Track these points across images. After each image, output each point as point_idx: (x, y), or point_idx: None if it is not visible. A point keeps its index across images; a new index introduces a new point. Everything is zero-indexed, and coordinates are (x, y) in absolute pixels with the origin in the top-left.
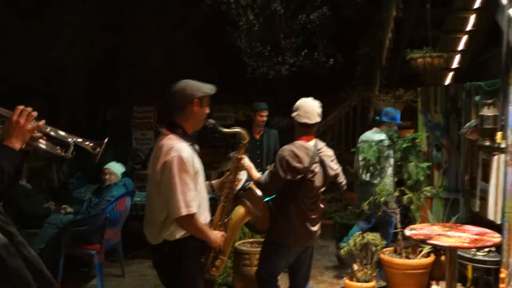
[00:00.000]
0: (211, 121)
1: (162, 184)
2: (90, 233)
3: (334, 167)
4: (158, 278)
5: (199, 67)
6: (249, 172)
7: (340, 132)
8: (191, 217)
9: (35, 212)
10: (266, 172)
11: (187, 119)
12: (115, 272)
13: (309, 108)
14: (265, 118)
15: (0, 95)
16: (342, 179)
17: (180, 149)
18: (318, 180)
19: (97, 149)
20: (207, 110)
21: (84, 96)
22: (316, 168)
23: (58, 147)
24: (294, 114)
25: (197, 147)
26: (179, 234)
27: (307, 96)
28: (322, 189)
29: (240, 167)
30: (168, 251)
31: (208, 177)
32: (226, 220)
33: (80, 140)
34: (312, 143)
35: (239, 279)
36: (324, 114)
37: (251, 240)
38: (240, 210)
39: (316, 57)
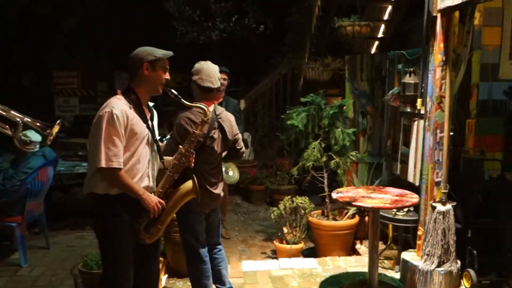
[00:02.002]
0: (173, 91)
1: (90, 137)
2: (9, 205)
3: (234, 132)
4: (84, 248)
5: (124, 31)
6: None
7: (270, 100)
8: (112, 171)
9: None
10: (166, 139)
11: (139, 84)
12: (39, 244)
13: (212, 72)
14: (223, 82)
15: None
16: (241, 145)
17: (114, 106)
18: (217, 146)
19: (47, 130)
20: (165, 76)
21: None
22: (215, 134)
23: (7, 126)
24: (196, 77)
25: (155, 118)
26: (104, 188)
27: (239, 62)
28: (223, 154)
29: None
30: (94, 204)
31: None
32: (168, 190)
33: (29, 119)
34: (211, 108)
35: (170, 246)
36: (255, 81)
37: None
38: (187, 184)
39: (247, 23)
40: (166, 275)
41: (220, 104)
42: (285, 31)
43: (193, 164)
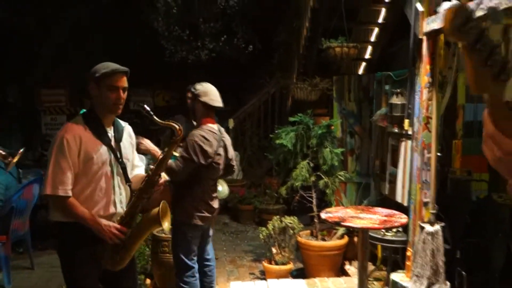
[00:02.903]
0: (146, 107)
1: None
2: None
3: (232, 150)
4: None
5: (112, 48)
6: (155, 156)
7: (259, 119)
8: (59, 199)
9: None
10: (174, 157)
11: (94, 103)
12: (24, 264)
13: (216, 92)
14: None
15: None
16: (234, 163)
17: (68, 129)
18: (222, 163)
19: (9, 158)
20: (113, 95)
21: None
22: (221, 151)
23: None
24: (205, 98)
25: (128, 138)
26: (58, 216)
27: (228, 81)
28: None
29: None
30: (55, 232)
31: None
32: (133, 215)
33: None
34: (215, 126)
35: (157, 267)
36: (244, 100)
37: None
38: (153, 211)
39: (236, 43)
40: None
41: None
42: (274, 51)
43: (161, 188)
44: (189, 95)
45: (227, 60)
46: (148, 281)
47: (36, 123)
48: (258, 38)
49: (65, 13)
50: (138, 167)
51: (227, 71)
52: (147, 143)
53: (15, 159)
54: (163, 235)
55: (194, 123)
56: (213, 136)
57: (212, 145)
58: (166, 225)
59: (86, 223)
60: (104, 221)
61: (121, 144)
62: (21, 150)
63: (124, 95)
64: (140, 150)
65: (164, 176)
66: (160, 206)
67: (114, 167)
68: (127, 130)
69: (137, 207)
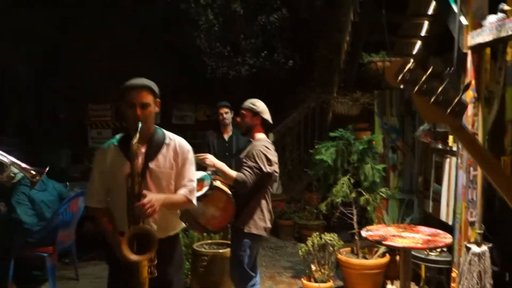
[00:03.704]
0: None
1: None
2: (41, 235)
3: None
4: None
5: (156, 66)
6: (222, 170)
7: (299, 134)
8: (89, 209)
9: None
10: (207, 175)
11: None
12: (69, 275)
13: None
14: (226, 116)
15: None
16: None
17: (106, 142)
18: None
19: (37, 177)
20: (133, 110)
21: (32, 95)
22: (276, 160)
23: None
24: (266, 115)
25: (154, 151)
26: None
27: (268, 96)
28: None
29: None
30: (101, 242)
31: None
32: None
33: (23, 166)
34: (271, 138)
35: (197, 281)
36: (284, 115)
37: (209, 241)
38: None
39: (275, 58)
40: None
41: (230, 137)
42: (313, 66)
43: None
44: (244, 112)
45: (267, 75)
46: None
47: (83, 137)
48: (298, 54)
49: (113, 33)
50: (185, 187)
51: (267, 86)
52: (212, 159)
53: (40, 179)
54: (203, 249)
55: (252, 139)
56: (271, 145)
57: (273, 154)
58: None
59: (107, 237)
60: (118, 239)
61: (154, 161)
62: (47, 169)
63: (142, 112)
64: (205, 165)
65: (225, 189)
66: (126, 235)
67: (135, 184)
68: (172, 146)
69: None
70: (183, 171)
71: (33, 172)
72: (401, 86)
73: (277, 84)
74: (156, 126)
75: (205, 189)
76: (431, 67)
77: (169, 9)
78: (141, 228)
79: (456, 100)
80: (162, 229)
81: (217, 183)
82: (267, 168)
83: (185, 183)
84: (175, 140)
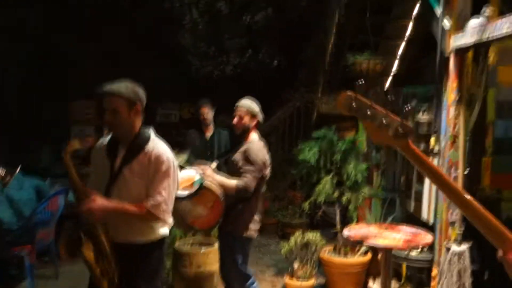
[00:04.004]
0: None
1: None
2: (19, 233)
3: None
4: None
5: (141, 64)
6: (222, 184)
7: (284, 132)
8: None
9: None
10: (199, 181)
11: None
12: (48, 273)
13: None
14: (207, 116)
15: None
16: None
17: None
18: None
19: (7, 178)
20: (105, 115)
21: (15, 92)
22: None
23: None
24: (261, 116)
25: (131, 155)
26: None
27: (252, 96)
28: None
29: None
30: None
31: None
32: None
33: None
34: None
35: (179, 280)
36: (269, 114)
37: (191, 240)
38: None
39: (260, 58)
40: None
41: (212, 136)
42: (299, 66)
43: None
44: (242, 113)
45: (252, 75)
46: None
47: (65, 134)
48: (283, 54)
49: (100, 32)
50: (151, 198)
51: (252, 86)
52: (210, 173)
53: (11, 179)
54: (184, 249)
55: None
56: (264, 146)
57: (267, 156)
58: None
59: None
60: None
61: (128, 167)
62: (18, 168)
63: (111, 117)
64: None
65: (214, 189)
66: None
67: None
68: (148, 154)
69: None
70: (153, 182)
71: (3, 175)
72: (350, 114)
73: (262, 83)
74: (146, 131)
75: (195, 187)
76: (371, 98)
77: (154, 8)
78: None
79: (397, 124)
80: (121, 233)
81: (207, 183)
82: (264, 172)
83: (153, 194)
84: (154, 149)
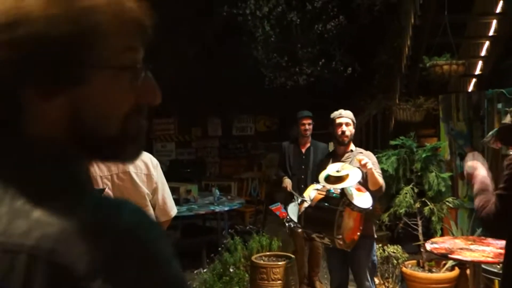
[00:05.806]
0: None
1: None
2: None
3: None
4: None
5: (215, 79)
6: (373, 176)
7: (360, 141)
8: None
9: None
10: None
11: None
12: None
13: None
14: (308, 127)
15: None
16: None
17: None
18: None
19: None
20: None
21: None
22: None
23: None
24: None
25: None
26: None
27: (327, 105)
28: None
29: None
30: None
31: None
32: None
33: None
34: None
35: None
36: None
37: (268, 253)
38: None
39: (334, 66)
40: None
41: (308, 149)
42: (373, 73)
43: None
44: (351, 124)
45: (326, 84)
46: None
47: (148, 150)
48: (357, 60)
49: (177, 45)
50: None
51: (326, 95)
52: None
53: None
54: (262, 261)
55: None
56: None
57: None
58: None
59: None
60: None
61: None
62: None
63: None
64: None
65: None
66: None
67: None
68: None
69: None
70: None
71: None
72: None
73: (336, 92)
74: None
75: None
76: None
77: (227, 21)
78: None
79: None
80: None
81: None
82: None
83: (148, 203)
84: (149, 158)
